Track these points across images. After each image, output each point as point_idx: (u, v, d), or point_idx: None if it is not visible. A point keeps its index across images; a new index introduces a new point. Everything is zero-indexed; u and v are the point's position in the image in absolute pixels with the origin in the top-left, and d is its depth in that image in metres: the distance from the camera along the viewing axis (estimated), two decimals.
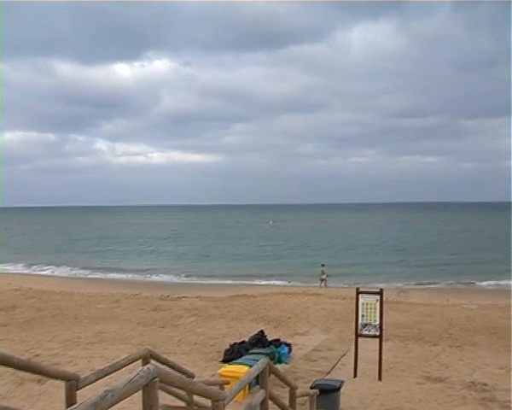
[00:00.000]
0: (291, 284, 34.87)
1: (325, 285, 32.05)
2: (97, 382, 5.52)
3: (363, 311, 12.65)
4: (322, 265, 33.19)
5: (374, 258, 49.05)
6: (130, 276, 39.21)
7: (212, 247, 63.96)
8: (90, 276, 39.19)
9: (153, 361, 6.34)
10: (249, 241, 72.13)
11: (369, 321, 12.63)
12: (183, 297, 25.09)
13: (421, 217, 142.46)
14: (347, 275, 37.17)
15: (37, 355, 13.30)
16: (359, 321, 12.67)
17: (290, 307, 22.12)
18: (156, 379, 2.95)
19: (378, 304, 12.55)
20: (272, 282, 35.94)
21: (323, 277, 32.38)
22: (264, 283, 35.81)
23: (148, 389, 2.91)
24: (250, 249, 59.58)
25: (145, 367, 2.90)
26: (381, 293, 12.66)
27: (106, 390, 2.39)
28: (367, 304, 12.65)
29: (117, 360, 6.19)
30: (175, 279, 37.89)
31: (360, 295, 12.74)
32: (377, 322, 12.52)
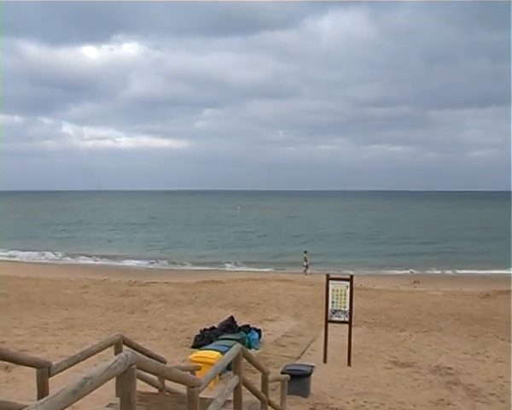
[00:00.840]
0: (260, 270, 35.08)
1: (306, 272, 31.95)
2: (69, 369, 5.44)
3: (333, 297, 12.74)
4: (305, 252, 33.19)
5: (345, 246, 49.73)
6: (98, 261, 38.78)
7: (181, 233, 63.88)
8: (57, 261, 38.63)
9: (125, 347, 6.26)
10: (219, 227, 72.21)
11: (338, 307, 12.73)
12: (152, 283, 24.95)
13: (389, 205, 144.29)
14: (318, 263, 37.58)
15: (3, 342, 13.01)
16: (329, 307, 12.74)
17: (259, 294, 22.19)
18: (134, 366, 2.90)
19: (348, 290, 12.66)
20: (241, 268, 36.10)
21: (305, 263, 32.40)
22: (233, 269, 35.98)
23: (126, 376, 2.85)
24: (220, 236, 59.69)
25: (123, 354, 2.84)
26: (351, 279, 12.78)
27: (85, 378, 2.34)
28: (337, 290, 12.73)
29: (88, 347, 6.09)
30: (143, 265, 37.64)
31: (330, 282, 12.82)
32: (347, 308, 12.63)
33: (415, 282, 27.68)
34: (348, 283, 12.71)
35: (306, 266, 32.21)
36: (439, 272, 34.89)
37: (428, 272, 34.71)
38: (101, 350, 6.09)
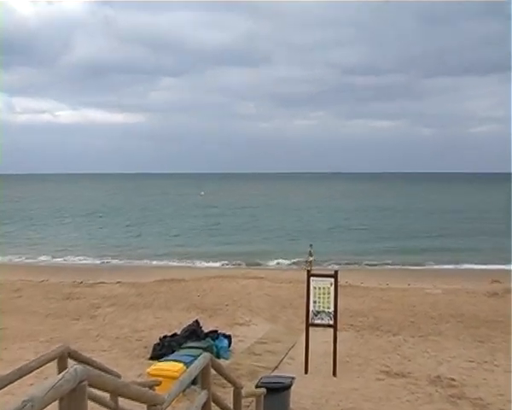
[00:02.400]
0: (229, 266, 35.46)
1: (311, 267, 31.99)
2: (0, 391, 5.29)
3: (315, 297, 12.74)
4: (310, 245, 33.12)
5: (330, 238, 50.30)
6: (34, 259, 38.37)
7: (135, 224, 63.93)
8: None
9: (70, 361, 6.13)
10: (181, 216, 72.49)
11: (321, 308, 12.74)
12: (101, 283, 24.81)
13: (377, 190, 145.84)
14: (298, 257, 38.06)
15: None
16: (311, 308, 12.76)
17: (228, 293, 22.28)
18: (85, 382, 2.80)
19: (332, 288, 12.67)
20: (207, 264, 36.43)
21: (310, 259, 32.32)
22: (197, 265, 36.22)
23: (75, 395, 2.75)
24: (181, 227, 60.07)
25: (71, 369, 2.74)
26: (335, 276, 12.75)
27: (24, 401, 2.23)
28: (319, 288, 12.74)
29: (25, 363, 5.91)
30: (91, 262, 37.50)
31: (312, 279, 12.83)
32: (331, 309, 12.66)
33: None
34: (332, 280, 12.71)
35: (309, 263, 32.26)
36: (436, 266, 35.41)
37: (425, 266, 35.27)
38: (40, 366, 5.93)
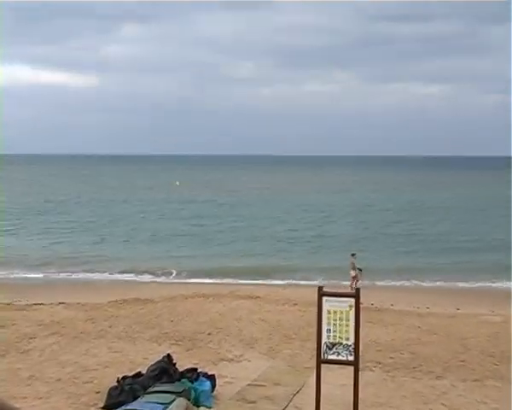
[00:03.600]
0: (214, 281, 35.81)
1: (352, 287, 32.10)
2: None
3: (329, 324, 12.68)
4: (353, 255, 33.31)
5: (350, 243, 50.20)
6: None
7: (88, 224, 64.36)
8: None
9: None
10: (150, 215, 73.28)
11: (338, 340, 12.66)
12: (38, 305, 24.75)
13: (414, 180, 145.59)
14: (307, 270, 38.05)
15: None
16: (323, 339, 12.68)
17: (212, 318, 22.33)
18: None
19: (353, 313, 12.62)
20: (184, 279, 36.74)
21: (354, 273, 32.26)
22: (171, 280, 36.65)
23: None
24: (150, 229, 60.61)
25: None
26: (356, 295, 12.70)
27: None
28: (335, 313, 12.69)
29: None
30: (25, 276, 37.41)
31: (325, 299, 12.74)
32: (351, 341, 12.55)
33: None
34: (352, 300, 12.62)
35: (354, 278, 32.25)
36: (494, 284, 35.35)
37: (479, 284, 35.25)
38: None
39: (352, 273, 32.11)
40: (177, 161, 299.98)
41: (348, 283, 31.18)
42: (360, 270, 32.43)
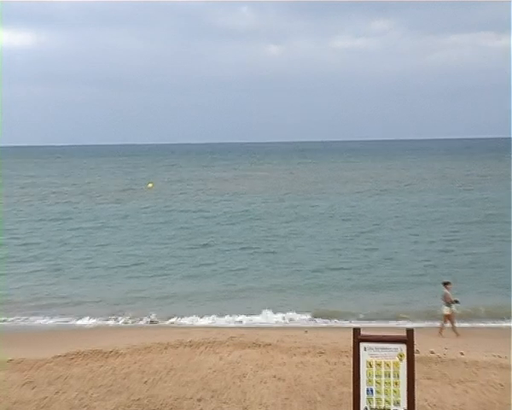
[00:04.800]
0: (206, 322, 36.41)
1: (442, 329, 32.54)
2: None
3: (370, 381, 12.78)
4: (445, 284, 33.63)
5: (395, 267, 51.59)
6: None
7: (30, 244, 64.84)
8: None
9: None
10: (115, 233, 73.74)
11: (384, 404, 12.74)
12: None
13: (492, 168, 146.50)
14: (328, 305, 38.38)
15: None
16: (363, 404, 12.76)
17: (203, 376, 22.11)
18: None
19: (404, 365, 12.69)
20: (162, 322, 37.01)
21: (448, 311, 32.54)
22: (144, 323, 37.01)
23: None
24: (117, 252, 61.24)
25: None
26: (408, 340, 12.73)
27: None
28: (379, 366, 12.85)
29: None
30: None
31: (363, 347, 12.85)
32: (402, 406, 12.59)
33: None
34: (404, 347, 12.75)
35: (448, 318, 32.47)
36: None
37: None
38: None
39: (446, 311, 32.27)
40: (149, 152, 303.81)
41: (395, 323, 31.19)
42: (457, 302, 32.42)
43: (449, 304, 32.38)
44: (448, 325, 32.40)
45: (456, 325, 32.34)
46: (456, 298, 32.47)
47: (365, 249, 59.65)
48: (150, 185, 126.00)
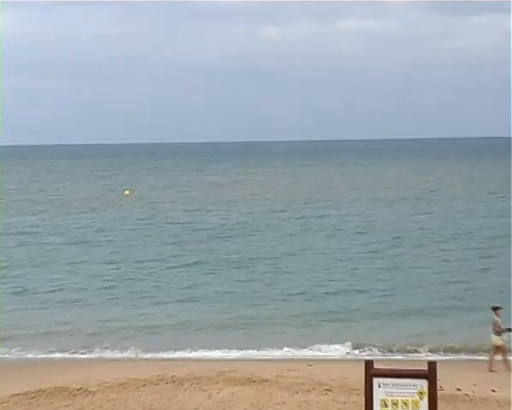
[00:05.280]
0: (192, 354, 36.68)
1: (503, 359, 32.30)
2: None
3: None
4: (495, 309, 33.38)
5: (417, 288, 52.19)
6: None
7: (3, 261, 64.92)
8: None
9: None
10: (87, 249, 73.88)
11: None
12: None
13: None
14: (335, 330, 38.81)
15: None
16: None
17: None
18: None
19: (424, 405, 12.93)
20: (141, 354, 37.38)
21: (499, 341, 32.34)
22: (117, 354, 37.47)
23: None
24: (84, 271, 61.48)
25: None
26: (430, 375, 13.00)
27: None
28: (395, 405, 13.07)
29: None
30: None
31: (377, 382, 13.14)
32: None
33: None
34: (425, 384, 12.94)
35: (499, 350, 32.33)
36: None
37: None
38: None
39: (496, 341, 32.15)
40: (123, 152, 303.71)
41: (421, 356, 31.05)
42: (510, 330, 32.16)
43: (499, 333, 32.02)
44: (498, 357, 32.00)
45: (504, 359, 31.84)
46: (509, 326, 31.94)
47: (384, 268, 59.44)
48: (127, 192, 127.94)
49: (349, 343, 37.20)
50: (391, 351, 35.62)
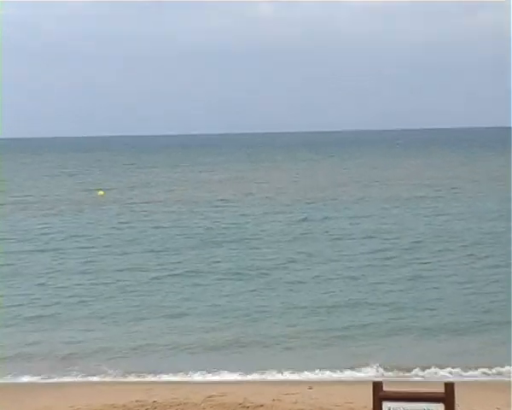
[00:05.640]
0: (175, 379, 36.85)
1: None
2: None
3: None
4: None
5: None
6: None
7: None
8: None
9: None
10: (58, 258, 73.90)
11: None
12: None
13: None
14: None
15: None
16: None
17: None
18: None
19: None
20: (119, 378, 37.51)
21: None
22: (94, 379, 37.33)
23: None
24: (71, 283, 61.81)
25: None
26: (446, 397, 13.22)
27: None
28: None
29: None
30: None
31: (386, 406, 13.46)
32: None
33: None
34: (441, 407, 13.27)
35: None
36: None
37: None
38: None
39: None
40: (102, 145, 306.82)
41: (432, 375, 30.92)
42: None
43: None
44: None
45: None
46: None
47: (399, 278, 59.20)
48: (101, 193, 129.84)
49: (355, 363, 36.70)
50: (402, 371, 35.13)
